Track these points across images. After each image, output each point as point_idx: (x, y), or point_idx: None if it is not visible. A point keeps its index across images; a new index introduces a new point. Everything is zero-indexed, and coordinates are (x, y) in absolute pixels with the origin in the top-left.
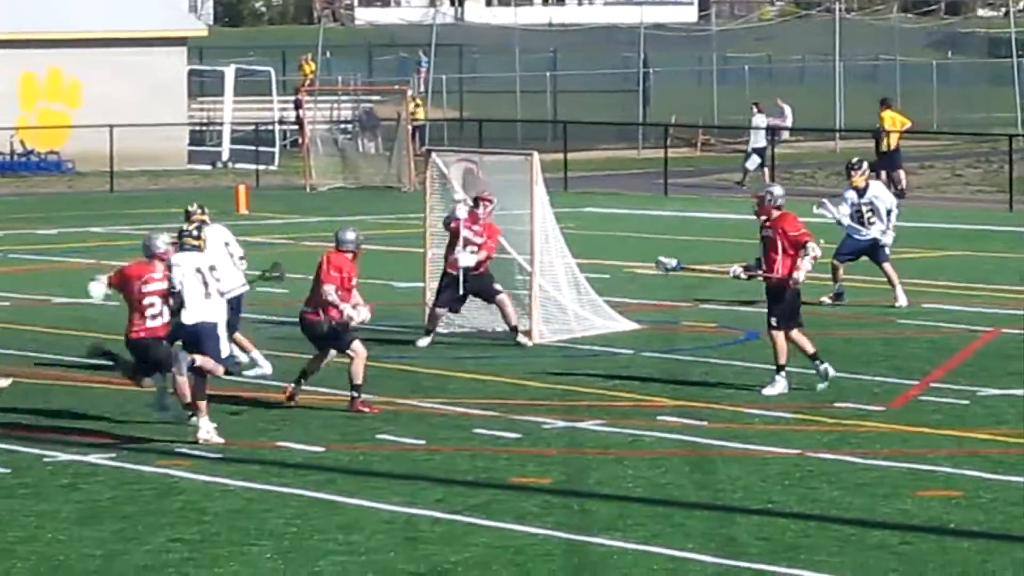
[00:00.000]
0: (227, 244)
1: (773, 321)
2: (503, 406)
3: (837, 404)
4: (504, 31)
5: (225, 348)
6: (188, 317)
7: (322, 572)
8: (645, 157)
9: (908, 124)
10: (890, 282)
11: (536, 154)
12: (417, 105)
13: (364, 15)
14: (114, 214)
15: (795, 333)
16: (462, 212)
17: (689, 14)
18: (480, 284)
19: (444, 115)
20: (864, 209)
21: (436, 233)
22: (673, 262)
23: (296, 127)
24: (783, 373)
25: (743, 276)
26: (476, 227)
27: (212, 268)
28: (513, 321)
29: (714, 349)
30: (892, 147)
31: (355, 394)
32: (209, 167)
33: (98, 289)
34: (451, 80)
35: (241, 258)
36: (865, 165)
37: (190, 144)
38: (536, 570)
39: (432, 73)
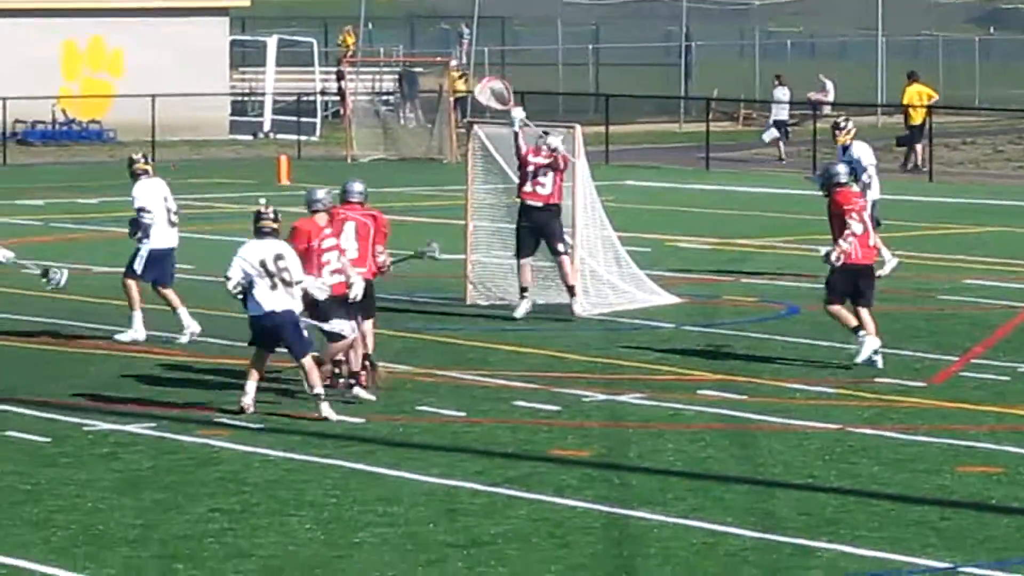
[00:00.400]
0: (165, 199)
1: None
2: (544, 378)
3: (878, 380)
4: (547, 3)
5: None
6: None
7: (361, 543)
8: (687, 131)
9: (935, 98)
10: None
11: (578, 127)
12: (459, 77)
13: None
14: None
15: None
16: (554, 142)
17: None
18: (551, 226)
19: None
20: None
21: (478, 205)
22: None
23: (338, 98)
24: (859, 333)
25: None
26: (541, 157)
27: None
28: (571, 280)
29: (755, 323)
30: (919, 121)
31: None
32: (250, 138)
33: None
34: (493, 52)
35: (175, 213)
36: (850, 124)
37: (232, 114)
38: (575, 543)
39: (475, 45)
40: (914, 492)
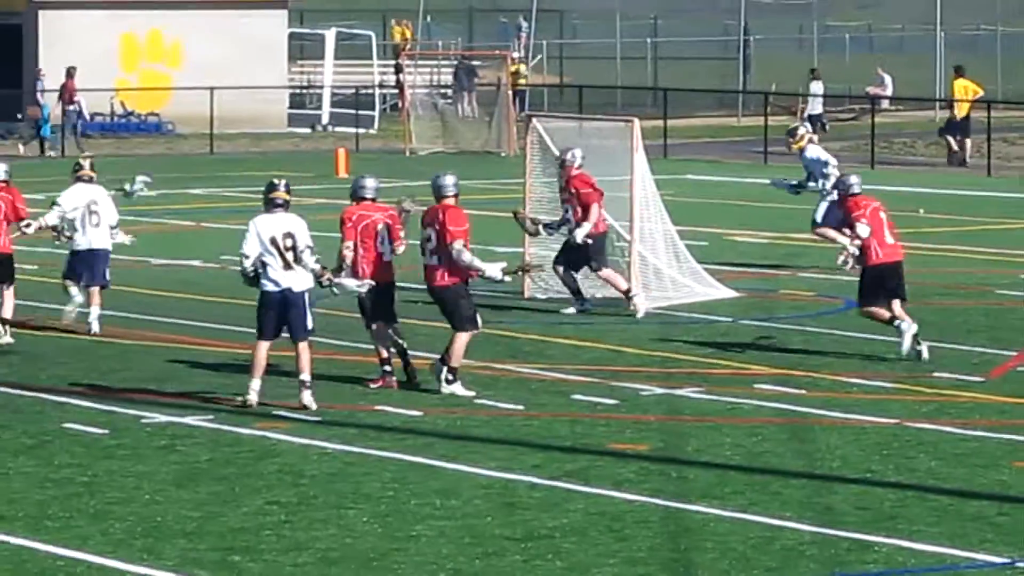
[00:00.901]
0: (92, 203)
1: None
2: (601, 372)
3: (936, 374)
4: None
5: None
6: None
7: (419, 536)
8: (745, 125)
9: (980, 93)
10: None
11: (636, 121)
12: (517, 72)
13: None
14: (214, 176)
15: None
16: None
17: None
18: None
19: (544, 81)
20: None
21: (536, 199)
22: None
23: (396, 91)
24: (895, 323)
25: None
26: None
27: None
28: (622, 286)
29: (813, 318)
30: (963, 115)
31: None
32: (309, 130)
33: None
34: (552, 45)
35: (99, 217)
36: (801, 130)
37: (290, 107)
38: (633, 536)
39: (533, 38)
40: (972, 487)
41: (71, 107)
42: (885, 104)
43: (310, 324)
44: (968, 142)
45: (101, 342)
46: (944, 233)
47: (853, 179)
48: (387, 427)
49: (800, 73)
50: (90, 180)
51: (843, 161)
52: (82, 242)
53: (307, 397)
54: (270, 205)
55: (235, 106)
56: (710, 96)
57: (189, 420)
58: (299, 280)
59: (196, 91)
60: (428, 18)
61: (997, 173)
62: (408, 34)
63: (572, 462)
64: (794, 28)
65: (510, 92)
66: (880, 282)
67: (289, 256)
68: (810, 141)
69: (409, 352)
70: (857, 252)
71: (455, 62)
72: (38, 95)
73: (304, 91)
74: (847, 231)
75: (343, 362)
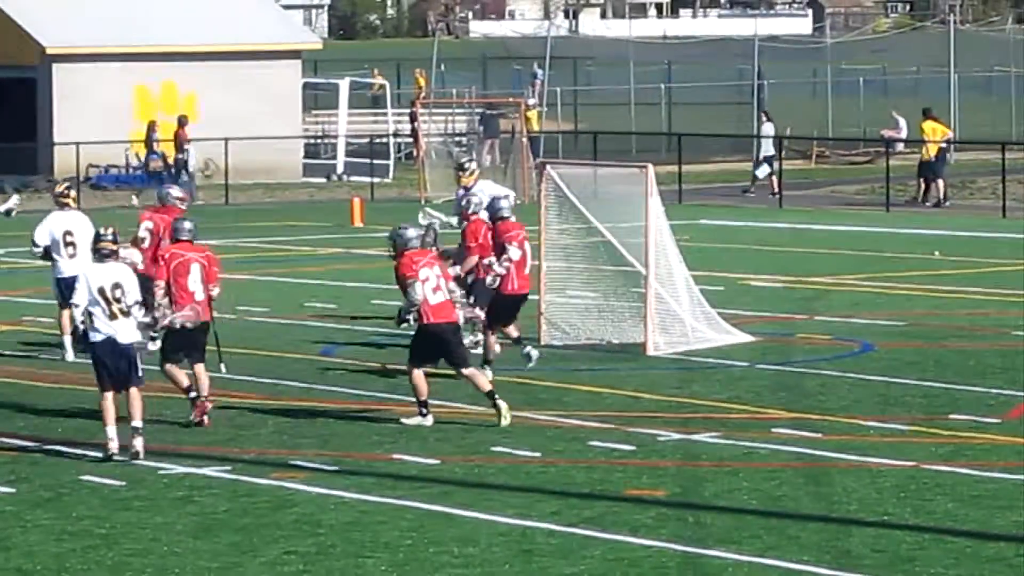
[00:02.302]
0: (68, 232)
1: None
2: (618, 418)
3: (952, 416)
4: (619, 43)
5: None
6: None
7: None
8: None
9: (948, 134)
10: None
11: (651, 166)
12: (531, 119)
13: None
14: (230, 227)
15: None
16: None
17: (804, 26)
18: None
19: (559, 127)
20: None
21: (551, 245)
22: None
23: (411, 139)
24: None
25: None
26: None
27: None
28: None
29: (829, 361)
30: (932, 156)
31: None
32: (324, 180)
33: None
34: (566, 92)
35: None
36: (472, 165)
37: (305, 157)
38: None
39: (547, 85)
40: (990, 529)
41: (180, 155)
42: (900, 147)
43: (140, 372)
44: (941, 183)
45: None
46: (959, 275)
47: (504, 202)
48: (404, 475)
49: (815, 117)
50: (68, 207)
51: (858, 204)
52: (66, 269)
53: (139, 443)
54: (97, 255)
55: (250, 157)
56: (724, 141)
57: (206, 471)
58: (125, 330)
59: (211, 142)
60: (442, 66)
61: (1012, 214)
62: (423, 83)
63: (589, 508)
64: (808, 72)
65: (525, 139)
66: (509, 308)
67: (115, 307)
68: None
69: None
70: (504, 272)
71: (469, 110)
72: (154, 144)
73: (319, 141)
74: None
75: (358, 411)
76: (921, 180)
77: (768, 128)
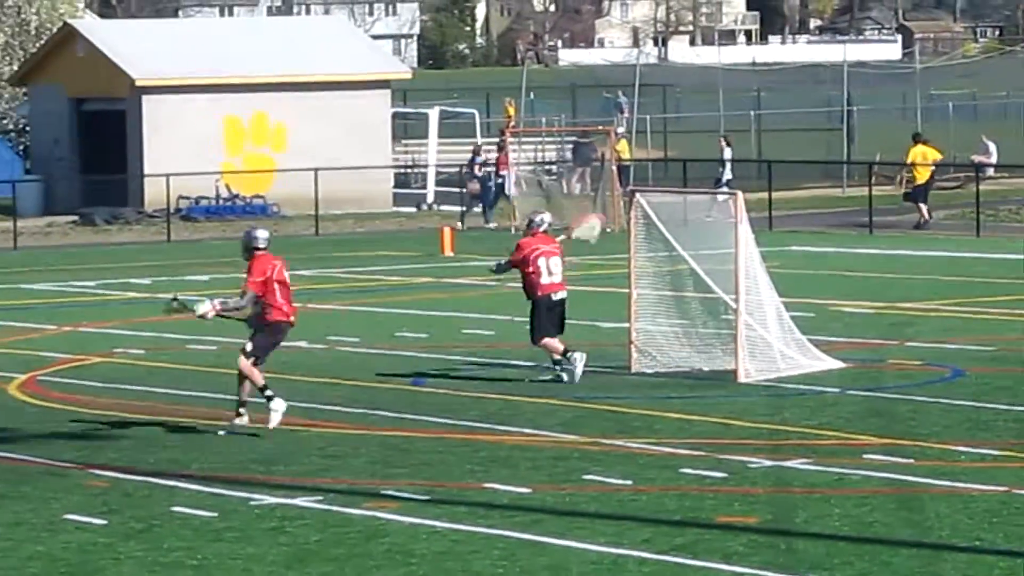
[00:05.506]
0: None
1: None
2: (709, 445)
3: None
4: (708, 70)
5: None
6: None
7: None
8: (850, 195)
9: (939, 158)
10: None
11: (740, 193)
12: (620, 147)
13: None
14: (320, 257)
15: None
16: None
17: (893, 51)
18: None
19: (648, 155)
20: None
21: (640, 273)
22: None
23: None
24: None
25: None
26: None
27: None
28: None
29: (920, 387)
30: (924, 180)
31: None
32: (414, 209)
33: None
34: (655, 120)
35: None
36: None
37: (395, 186)
38: None
39: (636, 113)
40: None
41: (499, 179)
42: (990, 172)
43: None
44: (924, 207)
45: (208, 424)
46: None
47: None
48: (495, 504)
49: (904, 143)
50: None
51: (947, 228)
52: None
53: None
54: None
55: (340, 187)
56: (814, 167)
57: (298, 501)
58: None
59: (301, 173)
60: (531, 95)
61: None
62: (512, 111)
63: (681, 536)
64: (897, 97)
65: (614, 167)
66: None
67: None
68: None
69: None
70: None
71: (559, 138)
72: (475, 168)
73: (409, 170)
74: None
75: (450, 440)
76: (921, 205)
77: (728, 153)
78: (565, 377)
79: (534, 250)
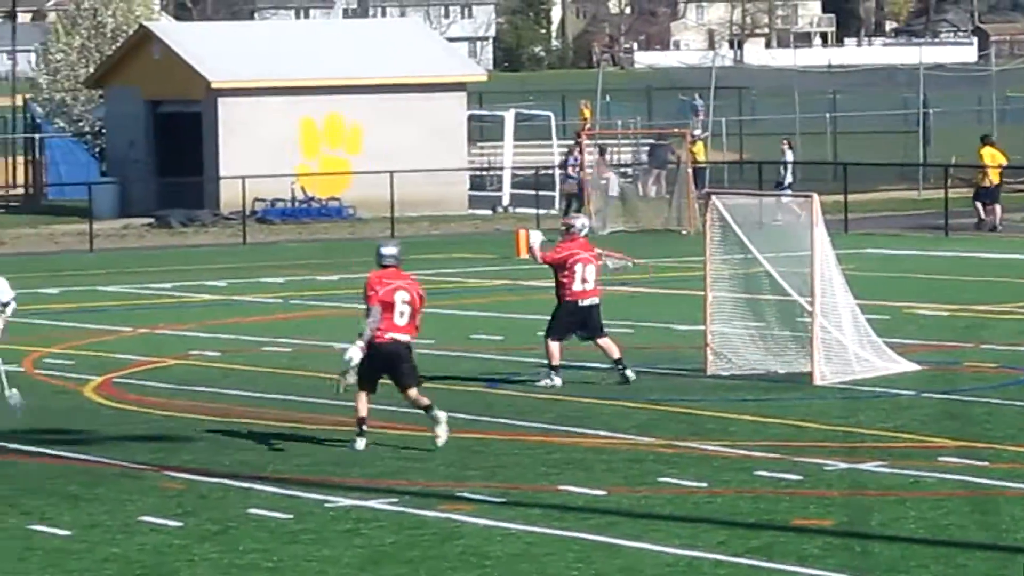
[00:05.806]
0: None
1: None
2: (784, 448)
3: None
4: (783, 73)
5: None
6: None
7: None
8: (925, 198)
9: (1005, 161)
10: None
11: (815, 196)
12: (693, 150)
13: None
14: None
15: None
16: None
17: (969, 54)
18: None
19: (724, 157)
20: None
21: (716, 276)
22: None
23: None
24: None
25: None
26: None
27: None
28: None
29: (995, 389)
30: (993, 183)
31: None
32: (489, 212)
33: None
34: (731, 122)
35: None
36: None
37: (470, 189)
38: None
39: (712, 115)
40: None
41: (602, 182)
42: None
43: None
44: (998, 208)
45: (286, 427)
46: None
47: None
48: (570, 507)
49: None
50: None
51: (1021, 231)
52: None
53: None
54: None
55: (416, 189)
56: (890, 170)
57: (373, 503)
58: None
59: (376, 175)
60: (607, 97)
61: None
62: (588, 114)
63: (756, 538)
64: (973, 100)
65: (690, 170)
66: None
67: None
68: None
69: None
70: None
71: (635, 141)
72: (570, 169)
73: (484, 173)
74: None
75: (525, 442)
76: (979, 204)
77: (790, 155)
78: (631, 375)
79: (572, 255)
